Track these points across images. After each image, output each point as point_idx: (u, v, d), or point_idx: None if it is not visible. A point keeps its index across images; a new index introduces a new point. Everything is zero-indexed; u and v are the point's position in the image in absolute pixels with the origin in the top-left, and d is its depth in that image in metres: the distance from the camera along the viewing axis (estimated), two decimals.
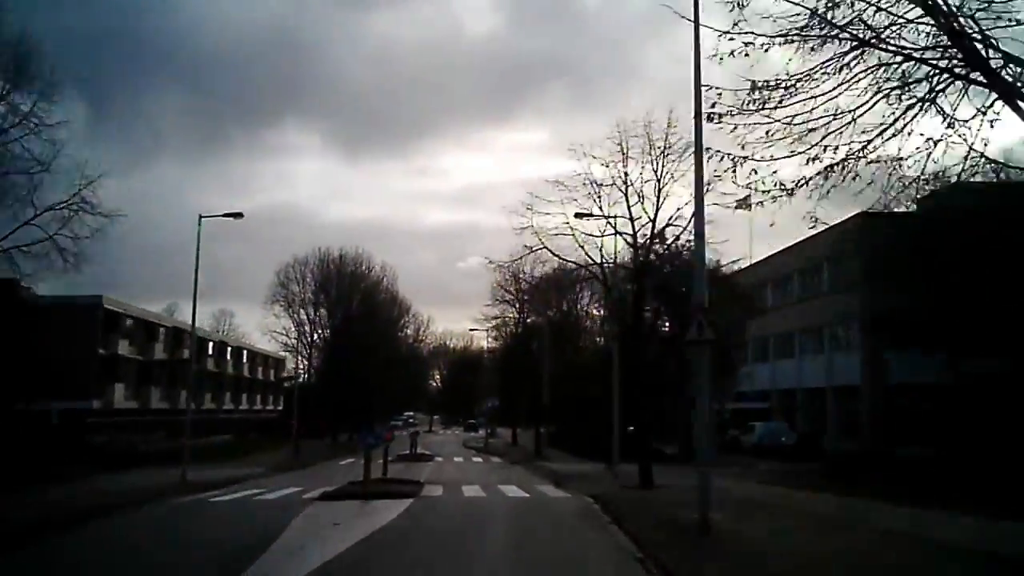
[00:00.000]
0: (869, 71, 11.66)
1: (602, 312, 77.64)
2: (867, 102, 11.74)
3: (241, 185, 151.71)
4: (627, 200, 27.62)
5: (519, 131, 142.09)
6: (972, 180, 13.97)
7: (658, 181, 27.16)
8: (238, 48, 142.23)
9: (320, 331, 74.77)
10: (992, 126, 11.24)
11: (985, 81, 11.11)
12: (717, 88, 12.40)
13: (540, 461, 47.14)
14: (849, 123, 11.80)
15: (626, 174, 27.43)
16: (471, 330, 68.20)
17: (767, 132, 11.92)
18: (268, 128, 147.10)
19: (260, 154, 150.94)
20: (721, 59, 11.92)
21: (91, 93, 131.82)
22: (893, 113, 11.64)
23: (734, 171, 11.91)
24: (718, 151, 12.58)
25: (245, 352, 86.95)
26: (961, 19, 11.07)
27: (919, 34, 11.43)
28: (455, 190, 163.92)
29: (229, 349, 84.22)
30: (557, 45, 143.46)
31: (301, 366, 78.81)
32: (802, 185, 11.99)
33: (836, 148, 11.70)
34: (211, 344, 78.94)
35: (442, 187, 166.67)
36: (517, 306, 65.03)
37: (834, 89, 11.72)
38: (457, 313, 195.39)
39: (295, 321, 72.86)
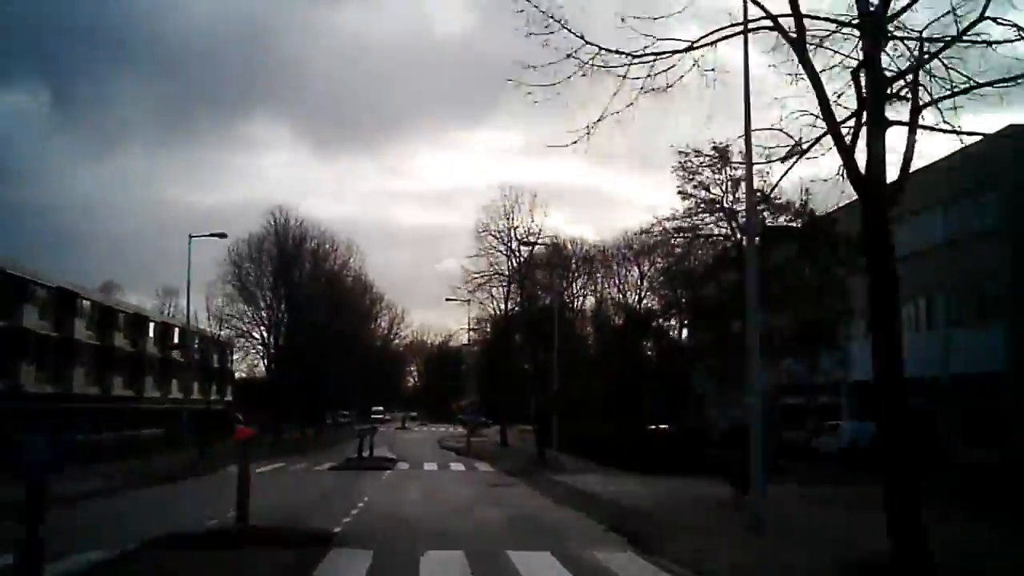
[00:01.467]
0: None
1: (613, 292, 60.19)
2: None
3: (210, 178, 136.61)
4: None
5: (493, 131, 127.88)
6: None
7: None
8: (207, 38, 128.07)
9: (280, 314, 56.23)
10: None
11: None
12: None
13: (553, 473, 29.08)
14: None
15: None
16: (447, 300, 50.00)
17: None
18: (237, 121, 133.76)
19: (229, 147, 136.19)
20: None
21: (60, 81, 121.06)
22: None
23: None
24: None
25: (177, 331, 67.85)
26: None
27: None
28: (428, 190, 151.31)
29: (152, 326, 65.14)
30: (530, 46, 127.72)
31: (257, 352, 60.92)
32: None
33: None
34: (121, 316, 59.73)
35: (415, 187, 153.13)
36: (508, 265, 46.88)
37: None
38: (435, 316, 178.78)
39: (248, 302, 54.45)
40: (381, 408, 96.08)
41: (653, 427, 45.95)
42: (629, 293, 59.87)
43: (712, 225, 29.66)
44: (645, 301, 58.96)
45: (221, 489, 25.23)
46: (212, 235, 35.67)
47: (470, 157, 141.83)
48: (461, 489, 24.57)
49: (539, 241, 39.90)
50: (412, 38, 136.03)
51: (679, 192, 29.71)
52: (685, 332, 58.37)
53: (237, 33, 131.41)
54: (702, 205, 29.53)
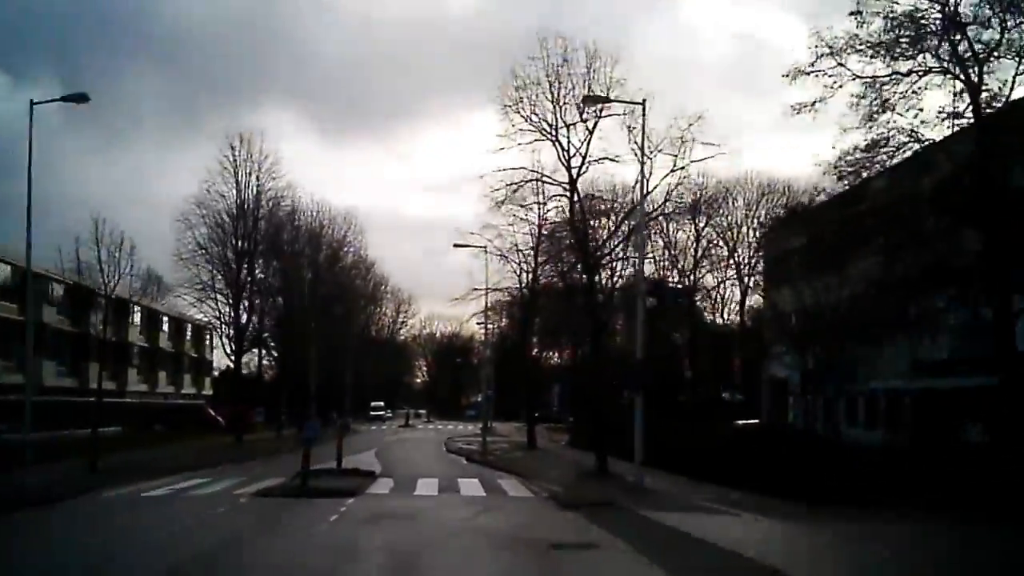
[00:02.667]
0: None
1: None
2: None
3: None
4: None
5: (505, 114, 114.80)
6: None
7: None
8: (213, 25, 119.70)
9: (244, 280, 41.95)
10: None
11: None
12: None
13: (650, 506, 15.52)
14: None
15: None
16: (456, 245, 35.22)
17: None
18: (245, 111, 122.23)
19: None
20: None
21: (66, 73, 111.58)
22: None
23: None
24: None
25: (137, 310, 53.99)
26: None
27: None
28: (439, 178, 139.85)
29: (102, 303, 50.94)
30: (546, 22, 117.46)
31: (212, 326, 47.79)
32: None
33: None
34: (52, 286, 45.70)
35: (425, 175, 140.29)
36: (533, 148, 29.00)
37: None
38: (447, 309, 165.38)
39: (209, 262, 40.55)
40: (382, 404, 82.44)
41: (742, 423, 33.33)
42: (679, 260, 46.55)
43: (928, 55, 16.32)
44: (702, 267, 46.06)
45: (66, 528, 12.66)
46: (64, 99, 22.17)
47: (483, 142, 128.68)
48: (485, 563, 10.88)
49: (613, 96, 21.23)
50: (422, 15, 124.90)
51: (854, 12, 16.53)
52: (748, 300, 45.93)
53: (243, 19, 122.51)
54: (906, 25, 16.19)
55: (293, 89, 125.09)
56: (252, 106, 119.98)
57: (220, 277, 40.35)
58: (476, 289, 36.74)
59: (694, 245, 45.56)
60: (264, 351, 58.85)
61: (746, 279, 45.54)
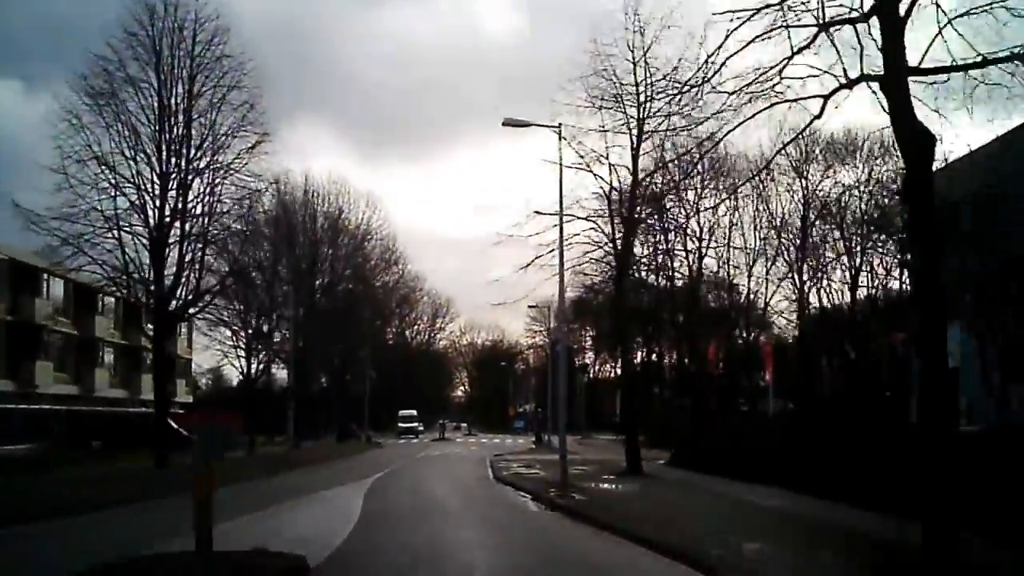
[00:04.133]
0: None
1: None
2: None
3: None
4: None
5: (541, 136, 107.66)
6: None
7: None
8: (252, 48, 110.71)
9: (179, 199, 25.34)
10: None
11: None
12: None
13: None
14: None
15: None
16: (507, 123, 20.75)
17: None
18: (282, 129, 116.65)
19: (274, 155, 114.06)
20: None
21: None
22: None
23: None
24: None
25: (60, 283, 37.95)
26: None
27: None
28: (475, 199, 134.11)
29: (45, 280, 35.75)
30: (578, 49, 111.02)
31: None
32: None
33: None
34: None
35: (462, 195, 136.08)
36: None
37: None
38: (488, 318, 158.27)
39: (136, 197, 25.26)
40: (414, 412, 67.95)
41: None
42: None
43: None
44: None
45: None
46: None
47: (518, 163, 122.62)
48: None
49: None
50: (459, 41, 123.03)
51: None
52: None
53: (281, 39, 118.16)
54: None
55: (331, 110, 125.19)
56: (290, 125, 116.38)
57: (132, 208, 24.98)
58: (539, 212, 22.70)
59: (801, 207, 37.89)
60: (272, 354, 44.62)
61: (858, 258, 36.50)
